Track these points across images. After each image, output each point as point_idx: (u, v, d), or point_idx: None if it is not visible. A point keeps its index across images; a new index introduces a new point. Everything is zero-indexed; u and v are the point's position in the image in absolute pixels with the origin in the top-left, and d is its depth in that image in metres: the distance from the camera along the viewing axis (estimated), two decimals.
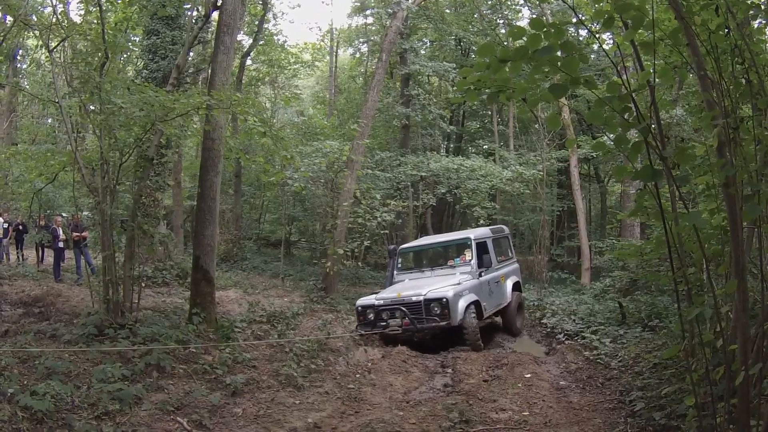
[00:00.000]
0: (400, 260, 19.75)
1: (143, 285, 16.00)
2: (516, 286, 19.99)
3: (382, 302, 16.72)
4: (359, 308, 17.18)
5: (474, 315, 16.19)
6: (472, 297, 16.52)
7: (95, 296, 14.42)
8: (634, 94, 5.39)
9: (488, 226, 23.70)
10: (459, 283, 16.63)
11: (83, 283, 20.68)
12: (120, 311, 13.23)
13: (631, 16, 5.44)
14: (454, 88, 38.47)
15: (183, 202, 33.10)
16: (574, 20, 5.69)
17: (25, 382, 8.96)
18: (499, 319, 19.40)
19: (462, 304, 15.92)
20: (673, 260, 6.41)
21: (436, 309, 15.76)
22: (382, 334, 16.43)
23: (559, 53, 5.11)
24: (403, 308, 16.09)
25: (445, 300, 15.67)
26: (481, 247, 18.47)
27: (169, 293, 21.33)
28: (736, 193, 5.68)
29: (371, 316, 16.68)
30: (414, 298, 16.11)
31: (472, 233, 19.24)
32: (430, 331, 16.24)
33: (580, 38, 31.86)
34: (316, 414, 9.75)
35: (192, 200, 35.00)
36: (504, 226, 22.19)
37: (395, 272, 19.39)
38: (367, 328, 16.62)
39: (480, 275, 17.64)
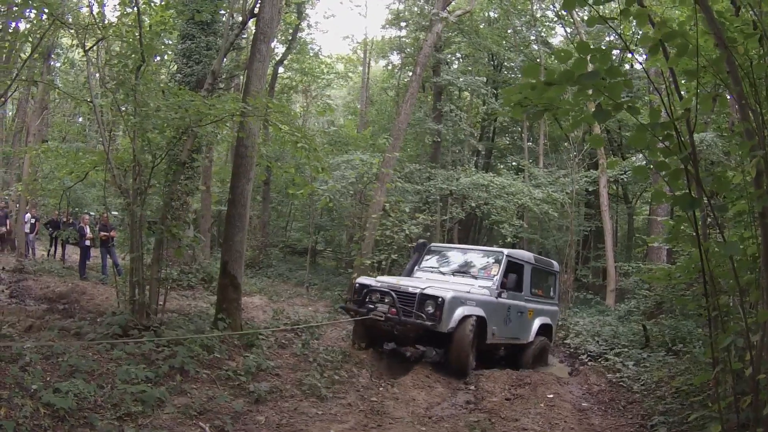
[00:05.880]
0: (426, 258, 18.27)
1: (169, 287, 16.02)
2: (544, 330, 18.02)
3: (379, 284, 15.72)
4: (357, 285, 16.31)
5: (471, 330, 14.47)
6: (477, 311, 14.84)
7: (121, 296, 14.47)
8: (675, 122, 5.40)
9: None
10: (467, 291, 15.20)
11: (108, 283, 20.81)
12: (145, 313, 13.26)
13: (676, 44, 5.43)
14: (485, 106, 38.50)
15: (212, 206, 33.23)
16: (606, 40, 5.71)
17: (49, 379, 8.98)
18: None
19: (460, 312, 14.33)
20: (707, 287, 6.38)
21: (429, 308, 14.31)
22: (365, 323, 15.34)
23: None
24: (394, 295, 14.86)
25: (440, 300, 14.14)
26: (513, 268, 16.84)
27: (194, 297, 21.38)
28: None
29: (363, 295, 15.64)
30: (410, 290, 14.88)
31: (508, 250, 17.54)
32: (413, 330, 14.61)
33: (614, 57, 31.90)
34: (339, 426, 9.73)
35: (220, 205, 35.25)
36: (555, 263, 20.31)
37: (416, 268, 17.96)
38: (353, 306, 15.77)
39: (499, 295, 15.97)
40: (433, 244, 19.61)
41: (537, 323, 17.57)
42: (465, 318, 14.41)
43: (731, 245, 5.65)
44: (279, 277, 34.10)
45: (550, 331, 18.57)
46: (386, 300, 15.04)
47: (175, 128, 13.59)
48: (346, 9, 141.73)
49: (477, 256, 17.92)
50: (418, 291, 14.67)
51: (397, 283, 15.46)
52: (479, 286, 15.91)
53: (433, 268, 17.91)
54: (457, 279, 16.64)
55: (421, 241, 19.57)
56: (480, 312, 14.91)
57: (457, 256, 18.40)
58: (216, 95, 17.05)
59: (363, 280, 16.50)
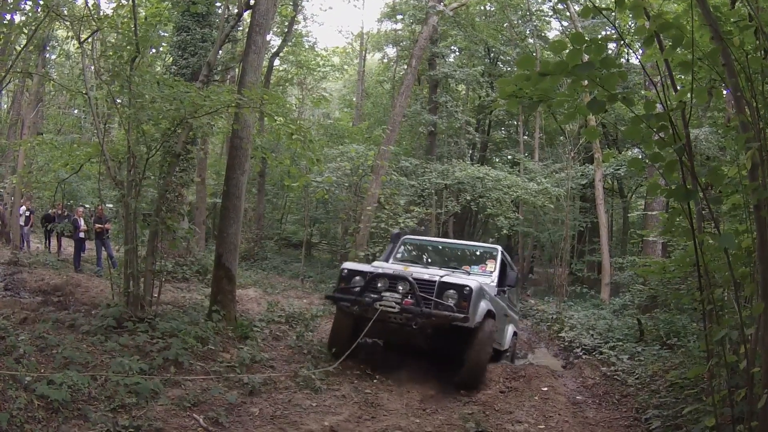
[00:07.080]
0: (401, 249, 16.00)
1: (163, 280, 15.99)
2: (514, 338, 16.46)
3: (380, 270, 12.91)
4: (345, 271, 13.31)
5: (493, 329, 12.58)
6: (491, 307, 12.71)
7: (115, 288, 14.43)
8: (670, 113, 5.39)
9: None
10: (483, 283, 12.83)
11: (103, 275, 20.77)
12: (140, 305, 13.23)
13: (671, 35, 5.43)
14: (483, 92, 38.59)
15: (207, 198, 33.23)
16: (602, 34, 5.71)
17: (43, 371, 8.95)
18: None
19: (483, 306, 12.24)
20: (701, 280, 6.38)
21: (451, 298, 11.96)
22: (365, 316, 12.40)
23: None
24: (413, 281, 12.19)
25: (467, 289, 11.89)
26: (504, 267, 14.95)
27: (188, 289, 21.33)
28: (767, 216, 5.63)
29: (357, 283, 12.86)
30: (427, 276, 12.49)
31: (500, 247, 15.64)
32: (438, 323, 11.96)
33: (610, 51, 31.88)
34: (333, 417, 9.71)
35: (215, 197, 35.25)
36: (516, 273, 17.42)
37: (391, 261, 15.26)
38: (349, 296, 12.71)
39: (498, 292, 14.07)
40: (407, 236, 17.34)
41: (510, 330, 16.01)
42: (488, 314, 12.50)
43: (726, 238, 5.64)
44: (274, 269, 34.14)
45: (515, 341, 16.90)
46: (399, 287, 12.39)
47: (170, 120, 13.53)
48: (342, 1, 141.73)
49: (463, 250, 16.45)
50: (436, 278, 12.38)
51: (405, 270, 13.05)
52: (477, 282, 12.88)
53: (413, 260, 15.86)
54: (448, 272, 13.65)
55: (396, 231, 18.47)
56: (492, 308, 12.81)
57: (439, 250, 17.09)
58: (211, 87, 17.04)
59: (352, 265, 13.80)
